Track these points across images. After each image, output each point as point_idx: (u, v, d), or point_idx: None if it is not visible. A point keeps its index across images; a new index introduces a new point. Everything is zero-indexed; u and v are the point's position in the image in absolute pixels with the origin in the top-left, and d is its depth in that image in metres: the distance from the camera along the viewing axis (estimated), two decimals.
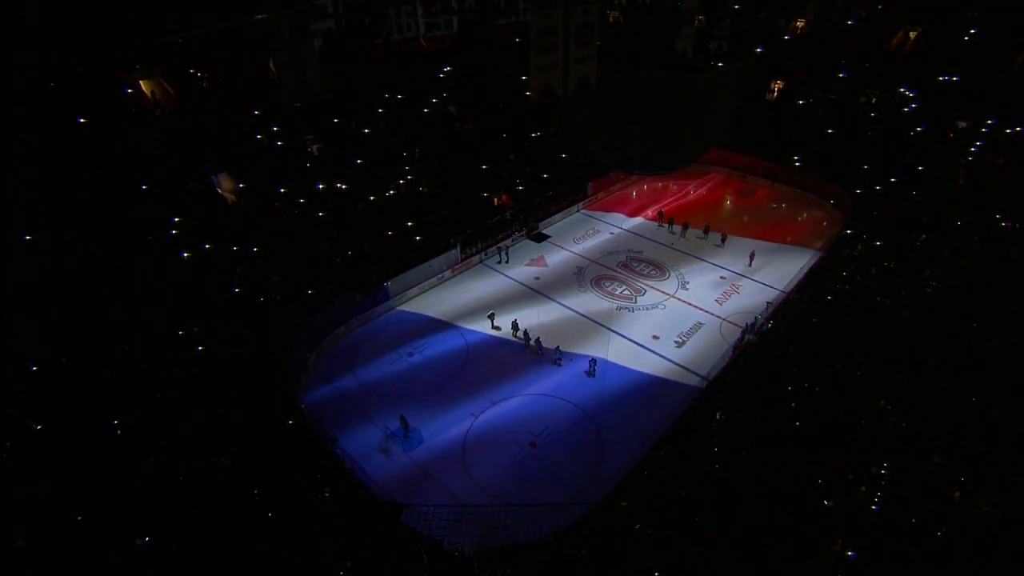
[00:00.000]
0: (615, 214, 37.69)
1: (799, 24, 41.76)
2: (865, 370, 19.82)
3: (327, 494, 16.47)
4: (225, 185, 27.59)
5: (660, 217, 36.03)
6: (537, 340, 24.73)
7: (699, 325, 26.44)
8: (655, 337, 25.71)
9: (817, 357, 21.15)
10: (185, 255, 22.92)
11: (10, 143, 17.39)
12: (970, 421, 16.38)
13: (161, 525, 13.92)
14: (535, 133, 38.35)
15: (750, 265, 30.83)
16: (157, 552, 13.28)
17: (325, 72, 25.60)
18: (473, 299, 28.88)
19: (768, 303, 27.06)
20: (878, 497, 14.46)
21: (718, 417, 19.39)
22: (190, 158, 25.32)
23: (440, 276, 30.05)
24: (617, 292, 29.23)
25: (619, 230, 35.67)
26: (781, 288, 28.62)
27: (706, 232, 34.19)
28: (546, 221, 36.05)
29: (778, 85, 42.96)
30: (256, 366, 21.06)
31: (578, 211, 38.10)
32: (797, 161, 38.76)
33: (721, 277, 30.22)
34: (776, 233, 34.13)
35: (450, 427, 21.02)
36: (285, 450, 17.63)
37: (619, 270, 31.26)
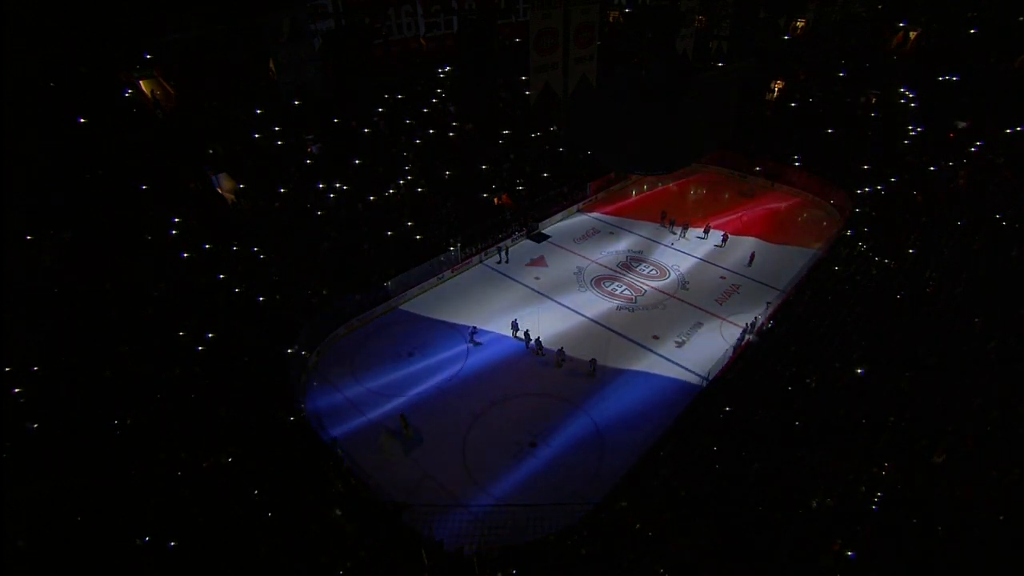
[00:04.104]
0: (615, 214, 37.69)
1: (799, 24, 41.78)
2: (865, 370, 19.81)
3: (328, 495, 16.47)
4: (225, 185, 27.58)
5: (661, 217, 36.03)
6: (537, 340, 24.74)
7: (699, 325, 26.44)
8: (655, 337, 25.70)
9: (817, 357, 21.16)
10: (185, 255, 22.91)
11: (10, 143, 17.40)
12: (970, 421, 16.38)
13: (161, 525, 13.92)
14: (535, 133, 38.36)
15: (750, 265, 30.84)
16: (157, 552, 13.27)
17: (325, 72, 25.69)
18: (473, 299, 28.89)
19: (768, 303, 27.07)
20: (878, 497, 14.46)
21: (720, 416, 19.38)
22: (190, 158, 25.31)
23: (440, 276, 30.05)
24: (617, 292, 29.23)
25: (619, 230, 35.67)
26: (781, 288, 28.62)
27: (706, 232, 34.20)
28: (546, 221, 36.06)
29: (778, 85, 42.97)
30: (256, 366, 21.07)
31: (578, 211, 38.10)
32: (797, 161, 38.77)
33: (721, 277, 30.23)
34: (776, 233, 34.14)
35: (450, 427, 21.01)
36: (285, 450, 17.63)
37: (619, 270, 31.25)
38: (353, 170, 29.85)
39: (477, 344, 25.46)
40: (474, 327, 26.06)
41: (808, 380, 20.02)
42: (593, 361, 23.51)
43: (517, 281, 30.49)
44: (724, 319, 26.77)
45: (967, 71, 33.08)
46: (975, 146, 32.33)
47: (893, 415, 17.32)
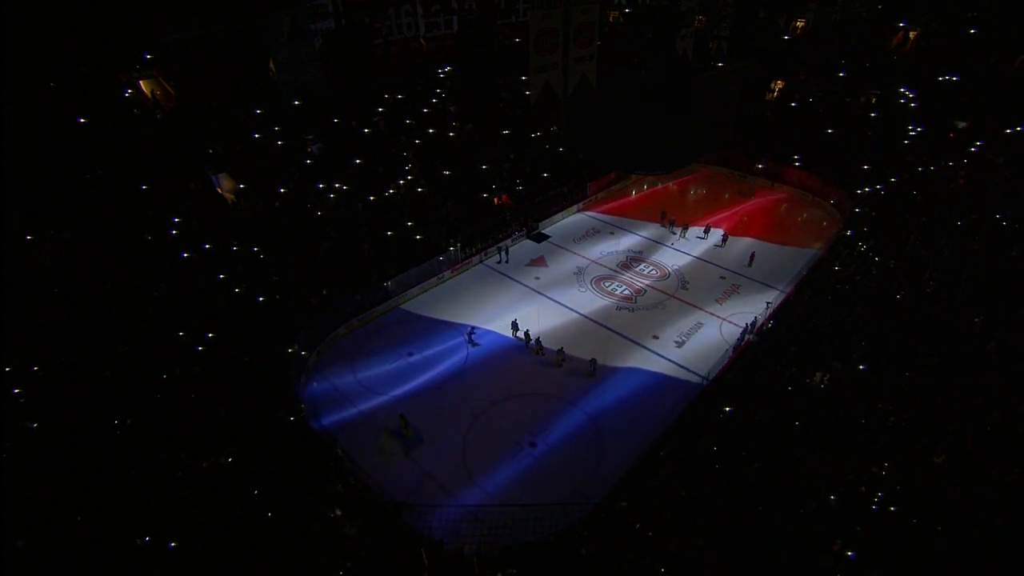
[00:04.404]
0: (614, 214, 37.70)
1: (799, 24, 41.80)
2: (865, 370, 19.82)
3: (328, 495, 16.47)
4: (225, 185, 27.60)
5: (661, 217, 36.03)
6: (537, 340, 24.74)
7: (699, 325, 26.44)
8: (655, 337, 25.70)
9: (817, 357, 21.16)
10: (185, 255, 22.91)
11: (10, 143, 17.40)
12: (970, 421, 16.38)
13: (161, 525, 13.93)
14: (535, 133, 38.36)
15: (750, 265, 30.83)
16: (157, 552, 13.28)
17: (325, 72, 25.71)
18: (473, 299, 28.89)
19: (768, 303, 27.07)
20: (878, 497, 14.46)
21: (720, 416, 19.38)
22: (190, 158, 25.32)
23: (440, 276, 30.05)
24: (617, 292, 29.23)
25: (619, 230, 35.67)
26: (781, 288, 28.63)
27: (706, 232, 34.20)
28: (546, 221, 36.05)
29: (778, 85, 42.98)
30: (256, 366, 21.07)
31: (578, 211, 38.11)
32: (797, 161, 38.77)
33: (721, 277, 30.22)
34: (776, 233, 34.13)
35: (450, 427, 21.02)
36: (285, 450, 17.64)
37: (619, 270, 31.25)
38: (353, 170, 29.87)
39: (475, 344, 25.46)
40: (472, 327, 26.05)
41: (808, 380, 20.02)
42: (593, 361, 23.51)
43: (517, 281, 30.48)
44: (724, 319, 26.77)
45: (967, 71, 33.08)
46: (975, 146, 32.34)
47: (893, 415, 17.33)
